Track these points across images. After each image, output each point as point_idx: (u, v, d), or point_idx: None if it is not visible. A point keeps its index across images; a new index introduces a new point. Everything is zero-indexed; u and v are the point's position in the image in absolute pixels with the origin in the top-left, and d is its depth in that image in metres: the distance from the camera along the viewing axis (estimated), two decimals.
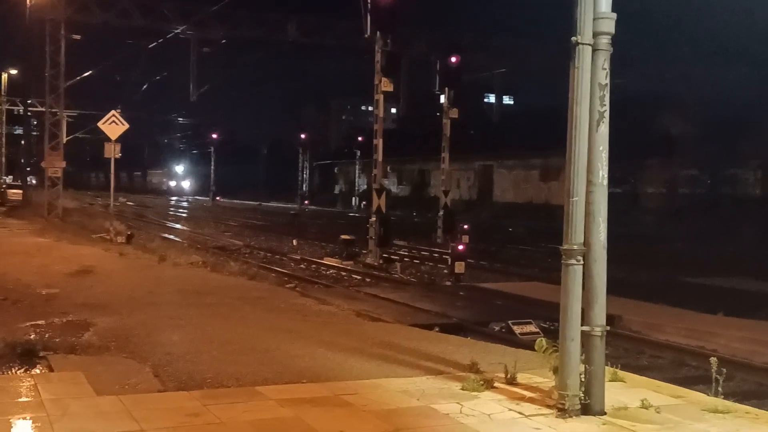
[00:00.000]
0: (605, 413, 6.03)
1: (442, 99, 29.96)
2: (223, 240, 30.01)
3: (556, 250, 6.12)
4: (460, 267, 18.32)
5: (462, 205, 49.63)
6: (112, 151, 23.48)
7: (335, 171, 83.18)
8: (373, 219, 22.46)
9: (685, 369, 10.63)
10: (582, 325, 6.03)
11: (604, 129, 6.06)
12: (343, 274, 20.52)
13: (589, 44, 5.97)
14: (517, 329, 12.47)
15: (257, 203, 74.00)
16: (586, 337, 6.05)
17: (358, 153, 71.59)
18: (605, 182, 6.08)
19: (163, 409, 5.96)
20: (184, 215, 52.99)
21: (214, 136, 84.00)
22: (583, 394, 6.02)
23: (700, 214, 34.73)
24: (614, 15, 6.06)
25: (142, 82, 46.01)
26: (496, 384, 6.79)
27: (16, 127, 65.11)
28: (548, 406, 6.18)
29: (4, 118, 55.70)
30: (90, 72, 37.21)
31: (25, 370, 7.26)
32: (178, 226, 40.09)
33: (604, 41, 6.04)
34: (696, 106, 41.95)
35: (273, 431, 5.58)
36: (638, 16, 32.68)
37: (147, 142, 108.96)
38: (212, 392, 6.49)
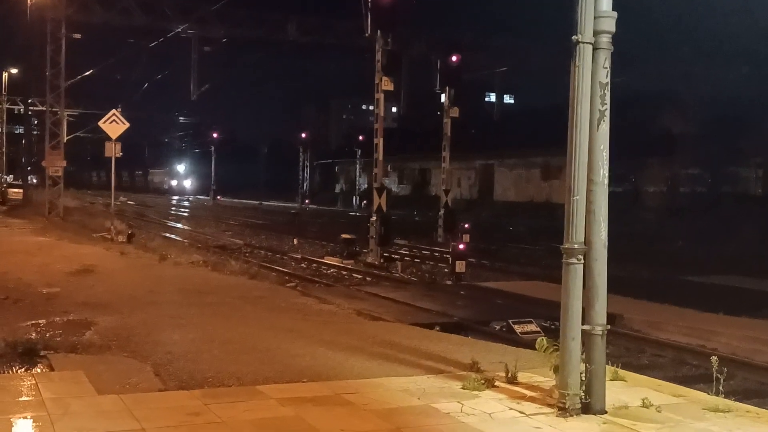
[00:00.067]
0: (606, 412, 6.03)
1: (443, 98, 29.94)
2: (224, 239, 30.01)
3: (557, 249, 6.12)
4: (460, 266, 18.31)
5: (463, 204, 49.62)
6: (113, 150, 23.49)
7: (336, 170, 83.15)
8: (374, 218, 22.46)
9: (686, 368, 10.63)
10: (583, 324, 6.03)
11: (604, 128, 6.06)
12: (344, 273, 20.51)
13: (589, 43, 5.97)
14: (517, 328, 12.46)
15: (258, 202, 73.97)
16: (586, 336, 6.05)
17: (359, 152, 71.53)
18: (606, 181, 6.08)
19: (164, 408, 5.96)
20: (185, 214, 53.00)
21: (215, 135, 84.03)
22: (583, 393, 6.02)
23: (701, 213, 34.72)
24: (615, 14, 6.06)
25: (142, 81, 46.10)
26: (496, 383, 6.79)
27: (17, 126, 65.20)
28: (549, 405, 6.18)
29: (4, 117, 55.73)
30: (91, 71, 37.31)
31: (26, 369, 7.26)
32: (178, 225, 40.11)
33: (605, 40, 6.03)
34: (696, 105, 41.92)
35: (274, 430, 5.58)
36: (639, 14, 32.68)
37: (148, 141, 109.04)
38: (213, 391, 6.50)
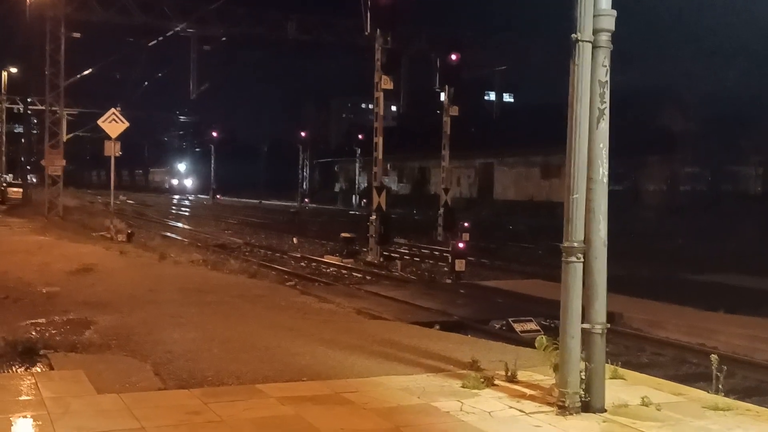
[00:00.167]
0: (606, 411, 6.03)
1: (443, 96, 29.92)
2: (224, 238, 30.01)
3: (557, 248, 6.12)
4: (460, 265, 18.32)
5: (462, 203, 49.61)
6: (113, 150, 23.50)
7: (335, 169, 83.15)
8: (374, 217, 22.47)
9: (685, 366, 10.63)
10: (582, 323, 6.03)
11: (604, 126, 6.06)
12: (344, 272, 20.52)
13: (589, 41, 5.96)
14: (517, 327, 12.47)
15: (258, 201, 74.01)
16: (586, 334, 6.04)
17: (359, 151, 71.50)
18: (606, 179, 6.07)
19: (163, 407, 5.96)
20: (184, 213, 53.01)
21: (214, 134, 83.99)
22: (583, 392, 6.02)
23: (701, 211, 34.72)
24: (614, 12, 6.06)
25: (142, 80, 46.12)
26: (496, 382, 6.79)
27: (17, 125, 65.19)
28: (549, 404, 6.18)
29: (4, 116, 55.69)
30: (90, 70, 37.28)
31: (26, 369, 7.26)
32: (178, 224, 40.11)
33: (604, 38, 6.03)
34: (696, 103, 41.92)
35: (274, 429, 5.58)
36: (639, 13, 32.68)
37: (148, 140, 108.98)
38: (213, 390, 6.49)
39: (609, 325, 6.30)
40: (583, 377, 6.04)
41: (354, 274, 20.06)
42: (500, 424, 5.76)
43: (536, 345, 6.73)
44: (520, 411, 6.06)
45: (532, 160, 51.24)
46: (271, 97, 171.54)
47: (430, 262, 22.92)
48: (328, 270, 21.00)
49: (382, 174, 23.49)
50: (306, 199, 71.94)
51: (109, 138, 23.49)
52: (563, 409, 5.97)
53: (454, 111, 29.23)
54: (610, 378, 6.64)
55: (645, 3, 35.90)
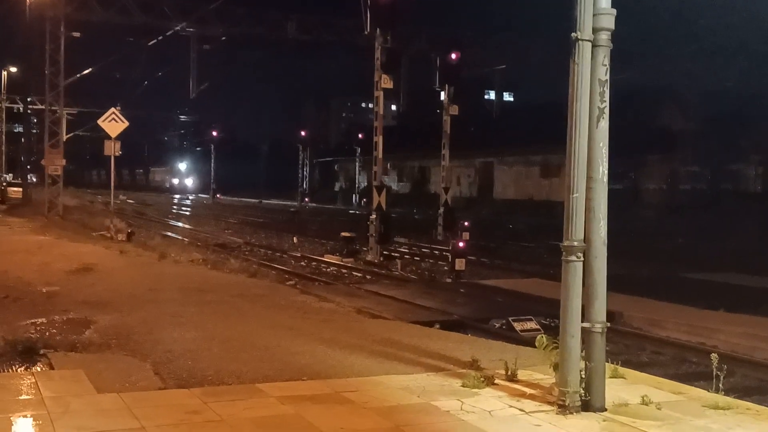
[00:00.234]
0: (606, 410, 6.03)
1: (442, 96, 29.90)
2: (224, 237, 30.01)
3: (557, 247, 6.12)
4: (460, 264, 18.31)
5: (462, 202, 49.62)
6: (112, 149, 23.49)
7: (335, 168, 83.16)
8: (374, 216, 22.46)
9: (686, 365, 10.63)
10: (582, 322, 6.03)
11: (604, 125, 6.06)
12: (344, 271, 20.52)
13: (588, 40, 5.96)
14: (517, 326, 12.47)
15: (258, 200, 74.04)
16: (586, 333, 6.04)
17: (359, 150, 71.50)
18: (605, 178, 6.07)
19: (163, 407, 5.96)
20: (184, 213, 53.01)
21: (214, 133, 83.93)
22: (583, 391, 6.02)
23: (701, 210, 34.75)
24: (614, 11, 6.05)
25: (142, 79, 46.12)
26: (496, 381, 6.79)
27: (16, 124, 65.16)
28: (549, 403, 6.18)
29: (4, 115, 55.70)
30: (90, 69, 37.25)
31: (26, 368, 7.26)
32: (178, 223, 40.11)
33: (604, 37, 6.02)
34: (696, 102, 41.95)
35: (273, 428, 5.58)
36: (639, 12, 32.66)
37: (148, 139, 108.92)
38: (213, 389, 6.49)
39: (609, 324, 6.30)
40: (583, 376, 6.04)
41: (354, 273, 20.05)
42: (500, 423, 5.76)
43: (536, 344, 6.73)
44: (521, 410, 6.06)
45: (532, 159, 51.25)
46: (271, 97, 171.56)
47: (430, 261, 22.92)
48: (328, 269, 21.00)
49: (382, 173, 23.48)
50: (306, 199, 71.92)
51: (108, 137, 23.49)
52: (563, 408, 5.97)
53: (454, 110, 29.22)
54: (611, 377, 6.64)
55: (645, 2, 35.87)
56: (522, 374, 6.97)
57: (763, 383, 9.64)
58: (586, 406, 6.00)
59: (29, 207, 36.05)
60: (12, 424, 5.52)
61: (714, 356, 6.71)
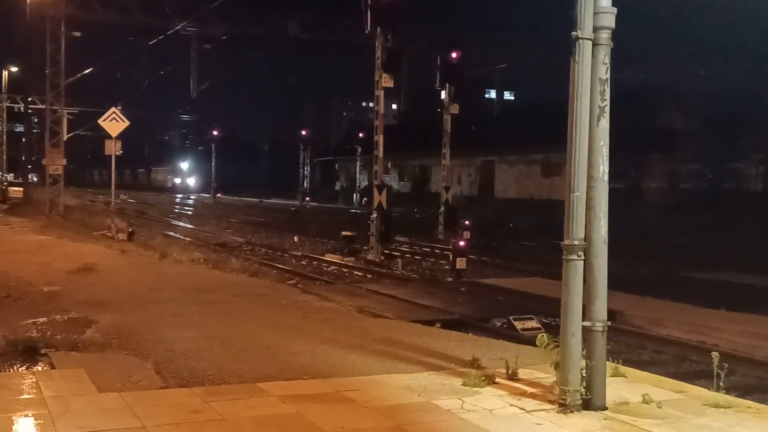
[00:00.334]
0: (606, 408, 6.03)
1: (443, 95, 29.89)
2: (224, 237, 30.01)
3: (558, 246, 6.12)
4: (461, 263, 18.32)
5: (463, 201, 49.59)
6: (113, 148, 23.48)
7: (336, 167, 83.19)
8: (374, 215, 22.46)
9: (686, 364, 10.63)
10: (583, 321, 6.03)
11: (604, 124, 6.05)
12: (345, 270, 20.52)
13: (589, 39, 5.96)
14: (518, 325, 12.47)
15: (258, 200, 74.06)
16: (587, 332, 6.04)
17: (359, 149, 71.51)
18: (606, 177, 6.07)
19: (164, 406, 5.96)
20: (185, 212, 53.01)
21: (215, 132, 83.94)
22: (584, 390, 6.02)
23: (702, 209, 34.71)
24: (614, 9, 6.05)
25: (143, 78, 46.11)
26: (497, 379, 6.79)
27: (17, 124, 65.17)
28: (550, 402, 6.18)
29: (5, 115, 55.71)
30: (91, 69, 37.24)
31: (27, 368, 7.26)
32: (179, 223, 40.11)
33: (605, 36, 6.02)
34: (697, 101, 41.93)
35: (274, 427, 5.58)
36: (639, 10, 32.64)
37: (149, 139, 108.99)
38: (214, 389, 6.50)
39: (610, 323, 6.30)
40: (584, 375, 6.04)
41: (355, 272, 20.06)
42: (501, 422, 5.76)
43: (537, 343, 6.73)
44: (521, 409, 6.06)
45: (532, 158, 51.24)
46: (271, 96, 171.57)
47: (431, 260, 22.92)
48: (329, 268, 21.00)
49: (382, 172, 23.47)
50: (307, 198, 71.93)
51: (109, 137, 23.48)
52: (564, 407, 5.97)
53: (455, 109, 29.19)
54: (611, 376, 6.65)
55: (646, 1, 35.89)
56: (523, 373, 6.97)
57: (764, 382, 9.64)
58: (587, 405, 6.00)
59: (30, 207, 36.03)
60: (13, 424, 5.53)
61: (715, 355, 6.70)
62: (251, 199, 75.96)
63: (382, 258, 22.09)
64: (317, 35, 37.26)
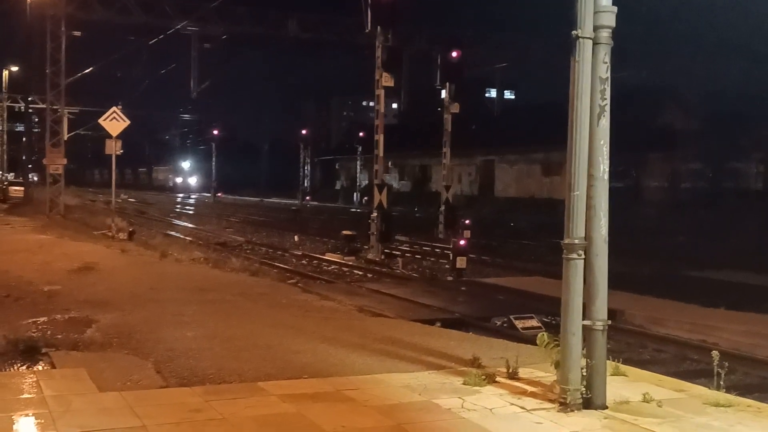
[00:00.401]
0: (607, 407, 6.03)
1: (443, 94, 29.88)
2: (225, 236, 30.01)
3: (558, 245, 6.12)
4: (461, 262, 18.31)
5: (463, 201, 49.59)
6: (113, 148, 23.48)
7: (336, 167, 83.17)
8: (375, 214, 22.46)
9: (687, 363, 10.63)
10: (584, 320, 6.03)
11: (605, 123, 6.05)
12: (345, 269, 20.52)
13: (589, 38, 5.96)
14: (518, 324, 12.47)
15: (259, 199, 74.06)
16: (587, 331, 6.04)
17: (360, 149, 71.49)
18: (606, 176, 6.07)
19: (165, 405, 5.96)
20: (185, 211, 53.03)
21: (215, 132, 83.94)
22: (584, 389, 6.02)
23: (702, 208, 34.71)
24: (615, 8, 6.05)
25: (143, 78, 46.10)
26: (497, 378, 6.79)
27: (18, 124, 65.10)
28: (550, 401, 6.18)
29: (5, 115, 55.71)
30: (91, 68, 37.28)
31: (28, 367, 7.27)
32: (179, 222, 40.12)
33: (605, 35, 6.02)
34: (697, 100, 41.94)
35: (275, 427, 5.58)
36: (640, 10, 32.62)
37: (149, 138, 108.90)
38: (214, 388, 6.50)
39: (610, 322, 6.30)
40: (585, 374, 6.04)
41: (355, 271, 20.06)
42: (501, 420, 5.77)
43: (537, 342, 6.74)
44: (522, 408, 6.06)
45: (533, 157, 51.22)
46: (272, 95, 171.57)
47: (432, 259, 22.92)
48: (329, 268, 21.01)
49: (383, 172, 23.47)
50: (307, 197, 71.92)
51: (110, 136, 23.48)
52: (564, 406, 5.97)
53: (455, 108, 29.18)
54: (612, 375, 6.65)
55: (646, 0, 35.85)
56: (523, 372, 6.97)
57: (764, 381, 9.65)
58: (588, 404, 6.00)
59: (30, 206, 36.05)
60: (14, 423, 5.53)
61: (715, 354, 6.70)
62: (252, 198, 75.98)
63: (383, 257, 22.09)
64: (317, 35, 37.24)
